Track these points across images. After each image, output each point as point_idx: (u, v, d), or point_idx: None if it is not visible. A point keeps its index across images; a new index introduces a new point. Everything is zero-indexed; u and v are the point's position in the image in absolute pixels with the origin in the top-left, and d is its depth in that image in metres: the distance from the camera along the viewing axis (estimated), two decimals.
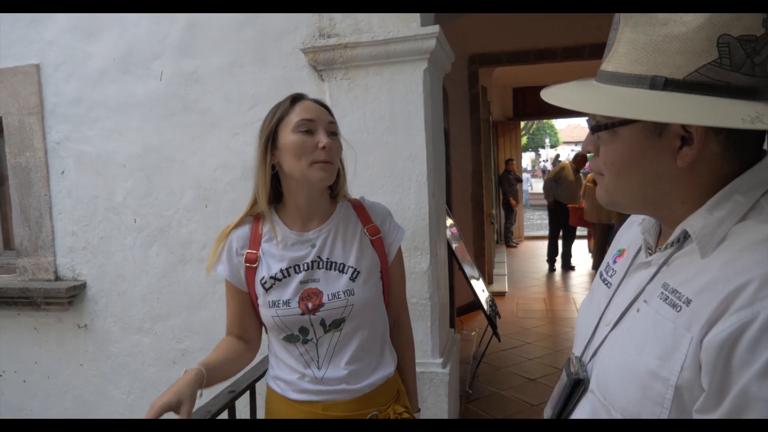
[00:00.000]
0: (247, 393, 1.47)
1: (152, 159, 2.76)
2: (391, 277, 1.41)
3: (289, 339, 1.29)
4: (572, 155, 8.13)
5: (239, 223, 1.33)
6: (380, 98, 2.42)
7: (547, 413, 0.85)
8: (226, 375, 1.30)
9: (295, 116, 1.25)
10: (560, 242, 7.56)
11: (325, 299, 1.26)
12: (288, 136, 1.24)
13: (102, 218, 2.86)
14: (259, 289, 1.29)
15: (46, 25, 2.81)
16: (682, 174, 0.67)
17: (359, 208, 1.38)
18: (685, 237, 0.69)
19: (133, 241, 2.82)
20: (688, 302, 0.62)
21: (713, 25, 0.60)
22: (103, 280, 2.89)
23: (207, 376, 1.19)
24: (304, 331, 1.27)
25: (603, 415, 0.71)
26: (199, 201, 2.72)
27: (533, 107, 9.45)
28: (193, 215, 2.73)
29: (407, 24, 2.34)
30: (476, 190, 5.68)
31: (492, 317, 3.85)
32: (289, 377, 1.31)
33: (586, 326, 0.83)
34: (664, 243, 0.74)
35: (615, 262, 0.86)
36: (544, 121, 25.01)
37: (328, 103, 2.46)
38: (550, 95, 0.72)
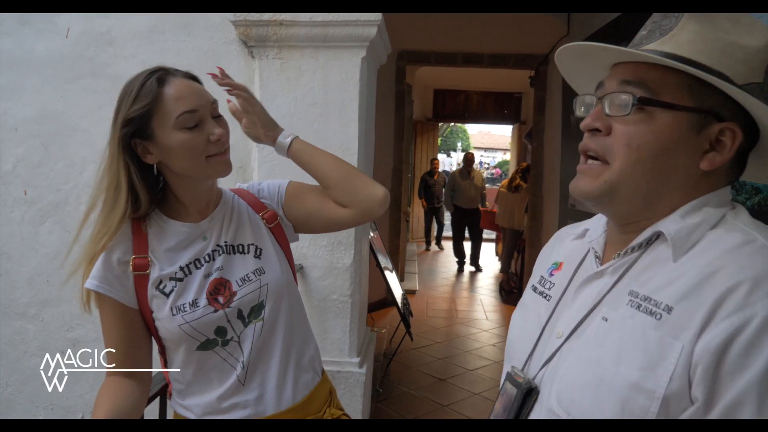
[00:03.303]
0: (157, 400, 1.30)
1: (50, 125, 2.46)
2: (305, 195, 1.27)
3: (206, 346, 1.10)
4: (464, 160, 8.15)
5: (112, 232, 1.05)
6: (314, 83, 2.30)
7: None
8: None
9: (173, 108, 1.03)
10: (467, 244, 7.76)
11: (235, 287, 1.11)
12: (170, 136, 1.03)
13: None
14: (156, 298, 1.08)
15: None
16: (694, 177, 0.68)
17: (244, 194, 1.25)
18: (648, 242, 0.69)
19: (22, 216, 2.50)
20: (668, 309, 0.60)
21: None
22: None
23: None
24: (221, 331, 1.10)
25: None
26: None
27: (452, 110, 9.63)
28: None
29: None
30: (395, 188, 5.66)
31: (405, 315, 3.83)
32: (206, 399, 1.12)
33: (524, 340, 0.79)
34: (615, 252, 0.72)
35: (552, 274, 0.83)
36: (458, 125, 25.65)
37: (257, 83, 2.30)
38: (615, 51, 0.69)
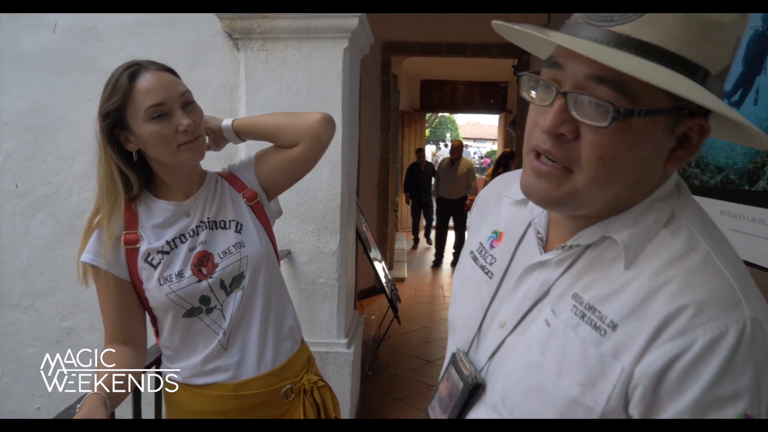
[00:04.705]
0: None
1: (40, 119, 2.51)
2: (268, 153, 1.35)
3: (191, 313, 1.20)
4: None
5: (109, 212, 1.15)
6: (297, 74, 2.36)
7: (438, 415, 0.77)
8: (126, 393, 1.13)
9: (141, 101, 1.10)
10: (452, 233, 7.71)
11: (216, 260, 1.21)
12: (141, 127, 1.11)
13: None
14: (144, 270, 1.17)
15: None
16: (657, 177, 0.62)
17: (226, 175, 1.33)
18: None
19: (14, 208, 2.55)
20: (613, 327, 0.58)
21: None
22: None
23: (110, 399, 1.01)
24: (205, 300, 1.20)
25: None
26: (93, 168, 2.46)
27: (439, 100, 9.70)
28: (86, 183, 2.52)
29: None
30: (382, 177, 5.74)
31: (393, 301, 3.93)
32: (191, 362, 1.23)
33: (468, 320, 0.76)
34: (560, 238, 0.68)
35: (492, 246, 0.78)
36: (447, 115, 25.73)
37: (242, 75, 2.37)
38: (579, 45, 0.55)
